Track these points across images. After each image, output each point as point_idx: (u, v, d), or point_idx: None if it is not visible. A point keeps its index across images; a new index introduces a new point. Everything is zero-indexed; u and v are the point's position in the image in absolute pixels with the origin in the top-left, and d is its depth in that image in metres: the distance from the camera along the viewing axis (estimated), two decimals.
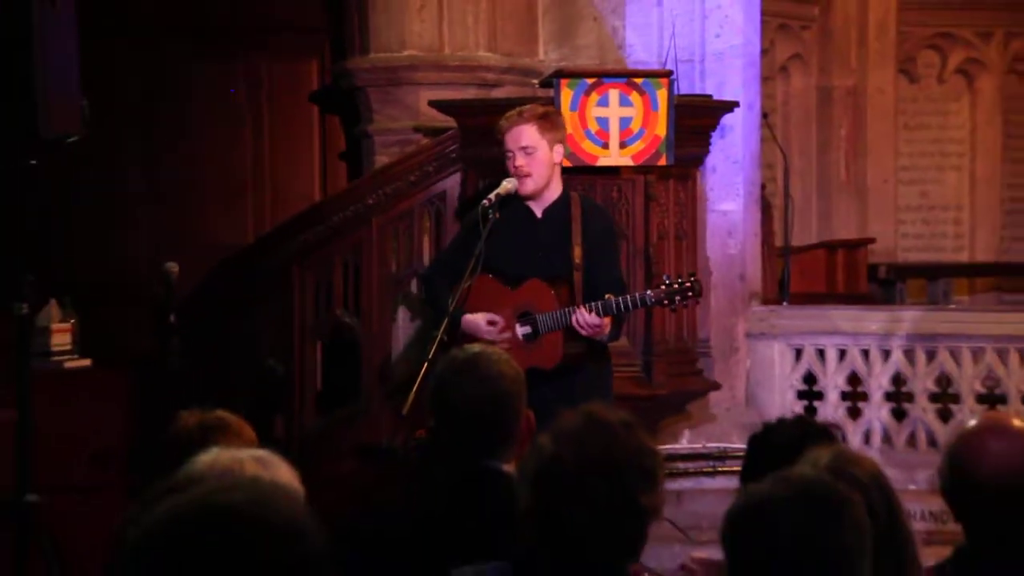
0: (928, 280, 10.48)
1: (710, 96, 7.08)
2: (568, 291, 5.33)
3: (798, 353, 7.45)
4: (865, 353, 7.32)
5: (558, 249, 5.38)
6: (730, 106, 7.03)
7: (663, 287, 5.27)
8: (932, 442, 7.09)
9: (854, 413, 7.37)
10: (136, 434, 6.08)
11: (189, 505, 1.68)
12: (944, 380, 7.24)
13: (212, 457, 2.43)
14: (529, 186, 5.39)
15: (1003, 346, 7.06)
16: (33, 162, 5.06)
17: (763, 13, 7.64)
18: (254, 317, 7.17)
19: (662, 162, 6.48)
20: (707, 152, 7.08)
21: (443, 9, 7.57)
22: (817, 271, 9.36)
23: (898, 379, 7.30)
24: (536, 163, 5.38)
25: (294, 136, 8.31)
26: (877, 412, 7.31)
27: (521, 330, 5.34)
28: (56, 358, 6.14)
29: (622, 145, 6.43)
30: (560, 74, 6.52)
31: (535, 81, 7.16)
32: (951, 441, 3.13)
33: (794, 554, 2.25)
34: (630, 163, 6.47)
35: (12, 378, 5.07)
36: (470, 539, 3.00)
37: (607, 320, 5.19)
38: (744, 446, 3.25)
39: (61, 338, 6.19)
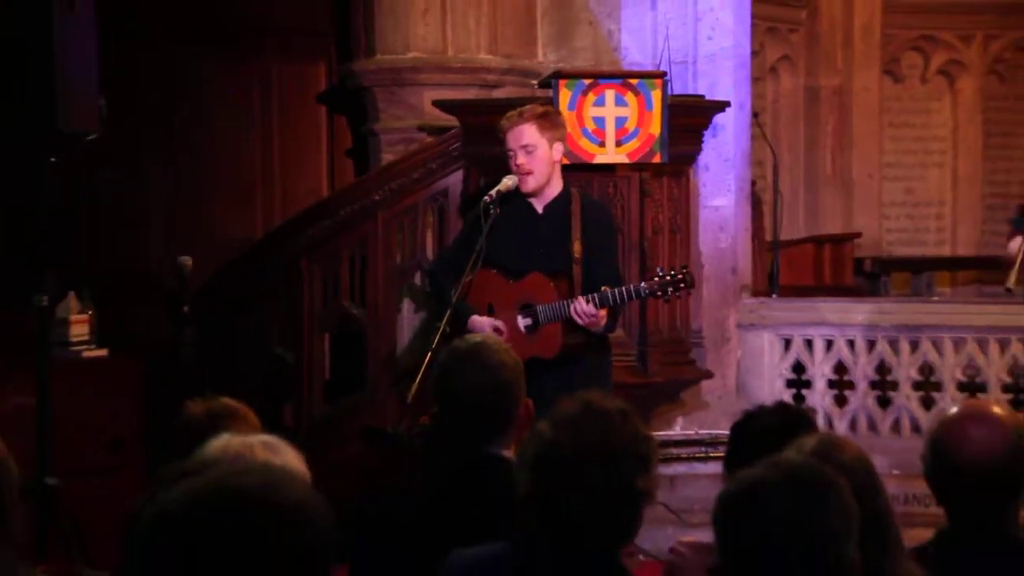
0: (912, 273, 10.48)
1: (702, 96, 7.08)
2: (567, 284, 5.33)
3: (787, 343, 7.46)
4: (851, 343, 7.32)
5: (558, 244, 5.38)
6: (721, 106, 7.02)
7: (656, 279, 5.28)
8: (915, 428, 7.09)
9: (841, 401, 7.38)
10: (150, 420, 6.08)
11: (203, 488, 1.68)
12: (927, 369, 7.24)
13: (224, 442, 2.43)
14: (530, 183, 5.40)
15: (983, 336, 7.06)
16: (53, 159, 5.06)
17: (753, 17, 7.63)
18: (264, 308, 7.17)
19: (656, 160, 6.48)
20: (700, 150, 7.08)
21: (446, 13, 7.57)
22: (805, 264, 9.36)
23: (883, 368, 7.30)
24: (536, 161, 5.38)
25: (303, 135, 8.30)
26: (863, 400, 7.31)
27: (523, 321, 5.35)
28: (74, 348, 6.15)
29: (618, 143, 6.43)
30: (558, 75, 6.51)
31: (534, 82, 7.15)
32: (933, 427, 3.13)
33: (783, 536, 2.25)
34: (626, 160, 6.47)
35: (33, 366, 5.08)
36: (472, 522, 3.00)
37: (603, 311, 5.19)
38: None
39: (79, 329, 6.20)
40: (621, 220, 6.42)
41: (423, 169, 6.97)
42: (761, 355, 7.45)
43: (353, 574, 3.33)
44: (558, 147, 5.45)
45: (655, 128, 6.42)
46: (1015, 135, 11.08)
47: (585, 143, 6.39)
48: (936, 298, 9.48)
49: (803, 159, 10.50)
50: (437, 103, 7.00)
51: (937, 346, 7.18)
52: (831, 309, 7.49)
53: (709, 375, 7.14)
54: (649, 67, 6.98)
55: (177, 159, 8.02)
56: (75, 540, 4.86)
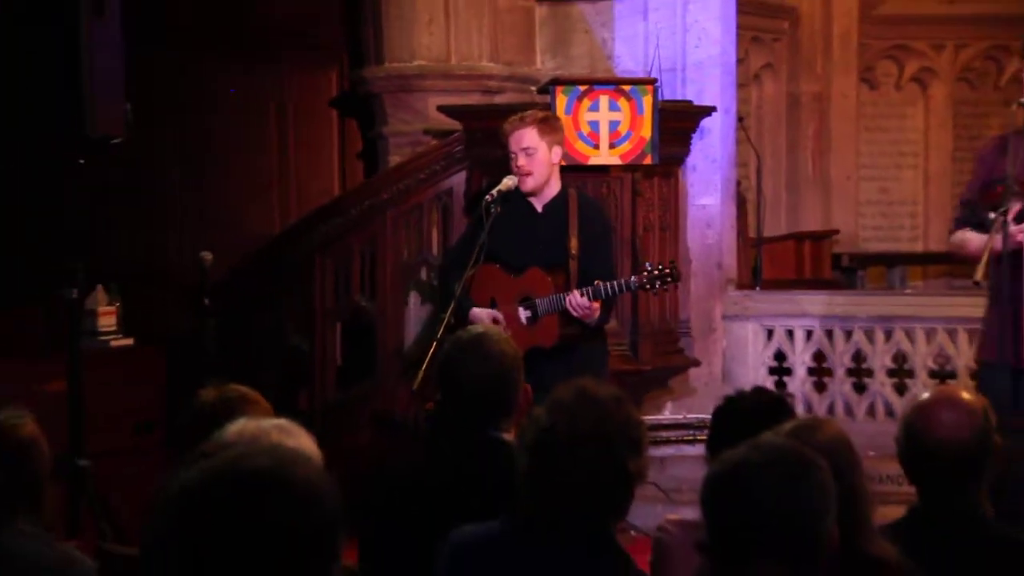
0: (886, 268, 10.47)
1: (690, 102, 7.07)
2: (565, 278, 5.34)
3: (769, 333, 7.45)
4: (829, 333, 7.32)
5: (556, 241, 5.38)
6: (708, 110, 7.02)
7: (645, 274, 5.29)
8: (889, 413, 7.09)
9: (820, 387, 7.38)
10: (174, 405, 6.08)
11: (220, 468, 1.68)
12: (900, 357, 7.23)
13: (240, 426, 2.43)
14: (529, 184, 5.40)
15: (953, 327, 7.06)
16: (81, 161, 5.06)
17: (738, 26, 7.63)
18: (280, 301, 7.16)
19: (647, 161, 6.47)
20: (688, 152, 7.07)
21: (450, 23, 7.56)
22: (786, 259, 9.35)
23: (859, 356, 7.30)
24: (536, 163, 5.38)
25: (316, 138, 8.30)
26: (840, 386, 7.31)
27: (523, 314, 5.36)
28: (102, 337, 6.15)
29: (611, 146, 6.42)
30: (556, 82, 6.51)
31: (533, 88, 7.14)
32: (906, 412, 3.13)
33: (766, 513, 2.25)
34: (618, 162, 6.46)
35: (64, 355, 5.09)
36: (474, 501, 3.00)
37: (597, 304, 5.19)
38: None
39: (107, 320, 6.20)
40: (614, 218, 6.41)
41: (429, 170, 6.97)
42: (745, 344, 7.45)
43: (362, 551, 3.34)
44: (556, 150, 5.45)
45: (646, 131, 6.41)
46: (983, 138, 11.05)
47: (581, 145, 6.38)
48: (909, 291, 9.48)
49: (785, 161, 10.49)
50: (442, 108, 7.00)
51: (910, 336, 7.17)
52: (811, 301, 7.49)
53: (696, 363, 7.13)
54: (641, 74, 6.97)
55: (198, 161, 8.01)
56: (104, 517, 4.86)
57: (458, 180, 6.91)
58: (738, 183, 7.83)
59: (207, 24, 7.93)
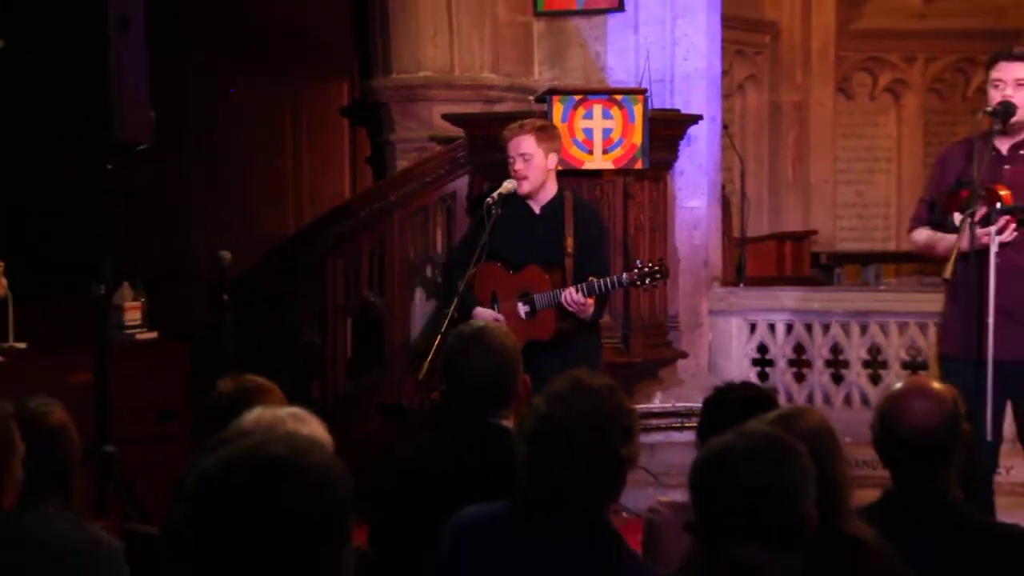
0: (861, 266, 10.46)
1: (679, 110, 7.06)
2: (561, 275, 5.33)
3: (752, 327, 7.44)
4: (808, 327, 7.31)
5: (553, 240, 5.38)
6: (695, 119, 7.01)
7: (635, 271, 5.28)
8: (865, 402, 7.08)
9: (799, 378, 7.37)
10: (195, 395, 6.08)
11: (238, 454, 1.67)
12: (875, 350, 7.22)
13: (256, 414, 2.42)
14: (525, 187, 5.40)
15: (924, 321, 7.04)
16: (109, 166, 5.06)
17: (723, 40, 7.62)
18: (295, 297, 7.16)
19: (638, 166, 6.47)
20: (676, 158, 7.06)
21: (453, 36, 7.55)
22: (768, 258, 9.35)
23: (836, 349, 7.29)
24: (533, 168, 5.38)
25: (328, 144, 8.29)
26: (819, 377, 7.30)
27: (522, 308, 5.35)
28: (128, 331, 6.14)
29: (605, 151, 6.41)
30: (552, 91, 6.50)
31: (531, 97, 7.13)
32: (880, 401, 3.13)
33: (749, 496, 2.25)
34: (611, 167, 6.46)
35: (92, 348, 5.08)
36: (477, 485, 2.99)
37: (591, 300, 5.19)
38: None
39: (132, 314, 6.19)
40: (607, 219, 6.40)
41: (433, 175, 6.96)
42: (730, 338, 7.44)
43: (371, 533, 3.33)
44: (553, 156, 5.44)
45: (637, 138, 6.40)
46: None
47: (576, 151, 6.38)
48: (883, 287, 9.46)
49: (767, 166, 10.49)
50: (446, 116, 6.99)
51: (883, 329, 7.16)
52: (791, 297, 7.48)
53: (684, 355, 7.13)
54: (632, 85, 6.96)
55: (218, 165, 8.01)
56: (130, 500, 4.86)
57: (461, 184, 6.91)
58: (723, 187, 7.82)
59: (226, 38, 7.92)
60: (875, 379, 7.19)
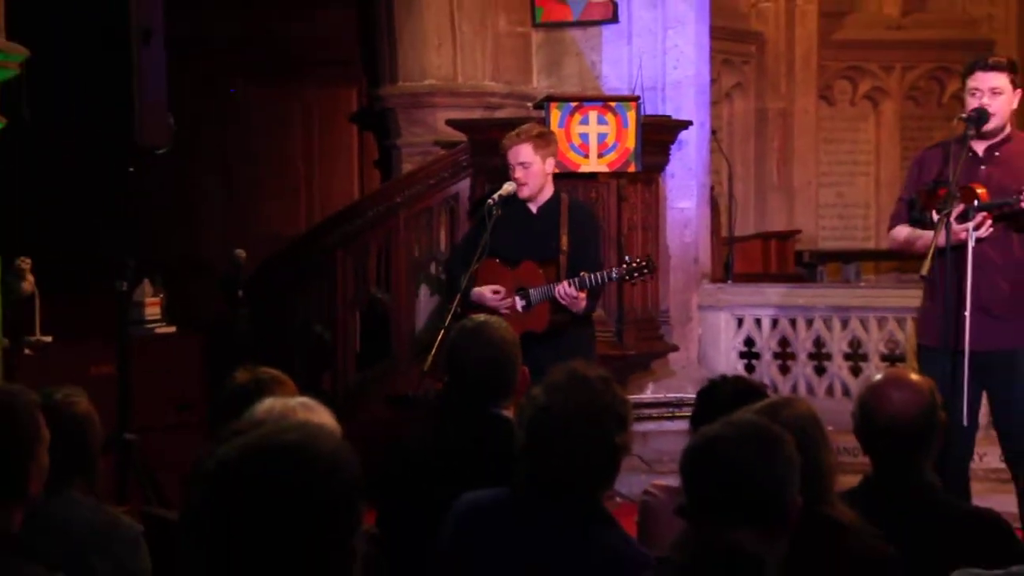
0: (843, 263, 10.45)
1: (670, 116, 7.05)
2: (556, 271, 5.33)
3: (740, 322, 7.44)
4: (793, 322, 7.31)
5: (549, 239, 5.37)
6: (685, 124, 7.00)
7: (624, 266, 5.28)
8: (846, 392, 7.08)
9: (784, 370, 7.36)
10: (211, 386, 6.07)
11: (252, 443, 1.66)
12: (855, 343, 7.22)
13: (269, 404, 2.41)
14: (524, 192, 5.40)
15: (902, 316, 7.03)
16: (131, 168, 5.05)
17: (711, 50, 7.61)
18: (306, 293, 7.15)
19: (631, 169, 6.47)
20: (667, 161, 7.05)
21: (456, 46, 7.54)
22: (755, 256, 9.33)
23: (819, 342, 7.29)
24: (531, 175, 5.37)
25: (337, 148, 8.29)
26: (802, 369, 7.30)
27: (519, 302, 5.35)
28: (148, 325, 6.14)
29: (600, 155, 6.41)
30: (550, 98, 6.50)
31: (530, 104, 7.12)
32: (861, 391, 3.12)
33: (738, 482, 2.24)
34: (606, 170, 6.46)
35: (115, 341, 5.07)
36: (478, 471, 2.99)
37: (583, 293, 5.19)
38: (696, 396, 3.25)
39: (152, 310, 6.19)
40: (602, 219, 6.40)
41: (437, 177, 6.96)
42: (718, 331, 7.43)
43: (380, 517, 3.32)
44: (550, 161, 5.44)
45: (630, 143, 6.40)
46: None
47: (572, 155, 6.37)
48: (863, 284, 9.46)
49: (753, 169, 10.47)
50: (449, 122, 6.99)
51: (864, 324, 7.16)
52: (776, 293, 7.48)
53: (675, 348, 7.12)
54: (625, 92, 6.95)
55: (233, 168, 8.01)
56: (150, 486, 4.85)
57: (463, 186, 6.91)
58: (712, 188, 7.81)
59: (242, 48, 7.92)
60: (856, 371, 7.18)
